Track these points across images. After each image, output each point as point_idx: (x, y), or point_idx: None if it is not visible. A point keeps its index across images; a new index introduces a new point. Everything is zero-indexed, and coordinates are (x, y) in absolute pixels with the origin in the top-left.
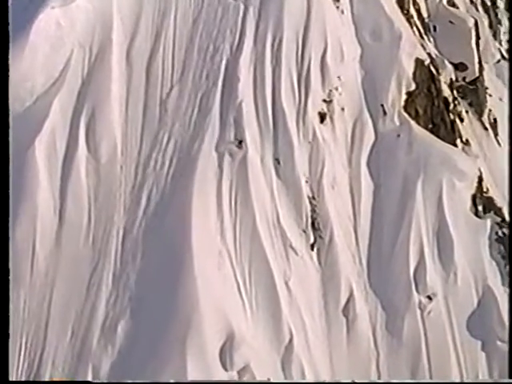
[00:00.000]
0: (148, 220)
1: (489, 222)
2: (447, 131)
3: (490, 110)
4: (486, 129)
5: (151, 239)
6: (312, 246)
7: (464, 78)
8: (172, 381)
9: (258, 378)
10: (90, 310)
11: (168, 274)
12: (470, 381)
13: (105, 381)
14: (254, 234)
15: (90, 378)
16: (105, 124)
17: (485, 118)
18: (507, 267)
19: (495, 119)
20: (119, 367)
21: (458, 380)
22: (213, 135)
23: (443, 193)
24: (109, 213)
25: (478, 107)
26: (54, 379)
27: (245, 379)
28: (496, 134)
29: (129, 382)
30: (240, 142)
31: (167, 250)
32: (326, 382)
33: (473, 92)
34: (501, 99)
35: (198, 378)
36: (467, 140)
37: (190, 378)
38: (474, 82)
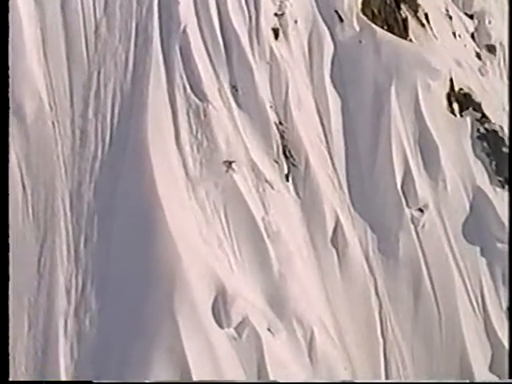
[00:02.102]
0: (98, 180)
1: (469, 120)
2: (400, 31)
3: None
4: (423, 25)
5: (107, 200)
6: (287, 177)
7: None
8: (171, 380)
9: (258, 330)
10: (46, 294)
11: (139, 234)
12: (470, 381)
13: (104, 381)
14: (224, 173)
15: (63, 369)
16: (23, 75)
17: (420, 13)
18: (493, 164)
19: (426, 14)
20: (103, 346)
21: (463, 291)
22: (158, 69)
23: (419, 96)
24: (47, 179)
25: (413, 3)
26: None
27: (245, 334)
28: (431, 29)
29: (130, 382)
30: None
31: (132, 209)
32: (327, 382)
33: None
34: None
35: (194, 339)
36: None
37: (186, 342)
38: None
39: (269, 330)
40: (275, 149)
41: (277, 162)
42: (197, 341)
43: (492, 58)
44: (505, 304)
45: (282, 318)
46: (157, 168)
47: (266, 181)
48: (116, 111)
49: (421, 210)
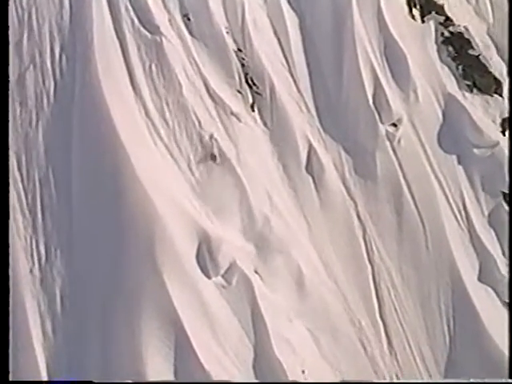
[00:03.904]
0: (47, 134)
1: (432, 24)
2: None
3: None
4: None
5: (61, 156)
6: (252, 107)
7: None
8: (171, 381)
9: (247, 274)
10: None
11: (105, 187)
12: (472, 381)
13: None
14: (186, 110)
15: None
16: None
17: None
18: (460, 68)
19: None
20: (78, 319)
21: (445, 202)
22: (99, 3)
23: (381, 5)
24: None
25: None
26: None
27: (234, 281)
28: None
29: (130, 381)
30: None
31: (92, 162)
32: (327, 382)
33: None
34: None
35: (182, 292)
36: None
37: (173, 295)
38: None
39: (256, 272)
40: (237, 78)
41: (240, 93)
42: (185, 294)
43: None
44: (486, 211)
45: (267, 258)
46: (114, 113)
47: (232, 113)
48: (56, 56)
49: (395, 125)
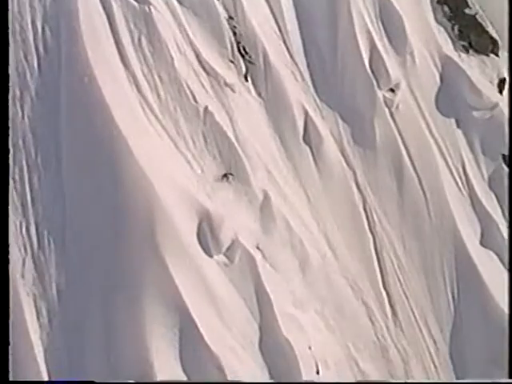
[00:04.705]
0: (32, 112)
1: None
2: None
3: None
4: None
5: (50, 138)
6: (245, 77)
7: None
8: (172, 380)
9: (250, 250)
10: None
11: (99, 168)
12: (470, 381)
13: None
14: (179, 84)
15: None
16: None
17: None
18: (455, 29)
19: None
20: (80, 307)
21: (445, 168)
22: None
23: None
24: None
25: None
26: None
27: (237, 258)
28: None
29: (132, 382)
30: None
31: (84, 143)
32: (329, 382)
33: None
34: None
35: (184, 273)
36: None
37: (176, 276)
38: None
39: (258, 248)
40: (229, 47)
41: (233, 62)
42: (188, 276)
43: None
44: (486, 174)
45: (269, 233)
46: (105, 89)
47: (226, 84)
48: (39, 29)
49: (392, 91)
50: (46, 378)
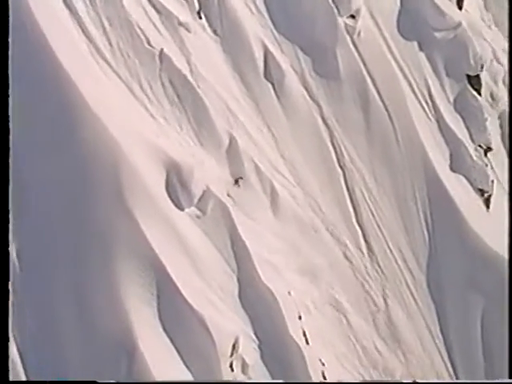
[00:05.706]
0: None
1: None
2: None
3: None
4: None
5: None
6: (199, 14)
7: None
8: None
9: (222, 199)
10: None
11: (57, 127)
12: (470, 381)
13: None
14: (130, 26)
15: None
16: None
17: None
18: None
19: None
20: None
21: (410, 93)
22: None
23: None
24: None
25: None
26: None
27: (209, 208)
28: None
29: (131, 382)
30: None
31: (35, 95)
32: (327, 382)
33: None
34: None
35: (156, 227)
36: None
37: (147, 231)
38: None
39: (229, 195)
40: None
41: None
42: (160, 231)
43: None
44: (452, 96)
45: (238, 178)
46: (51, 37)
47: (180, 24)
48: None
49: (353, 17)
50: (14, 353)
